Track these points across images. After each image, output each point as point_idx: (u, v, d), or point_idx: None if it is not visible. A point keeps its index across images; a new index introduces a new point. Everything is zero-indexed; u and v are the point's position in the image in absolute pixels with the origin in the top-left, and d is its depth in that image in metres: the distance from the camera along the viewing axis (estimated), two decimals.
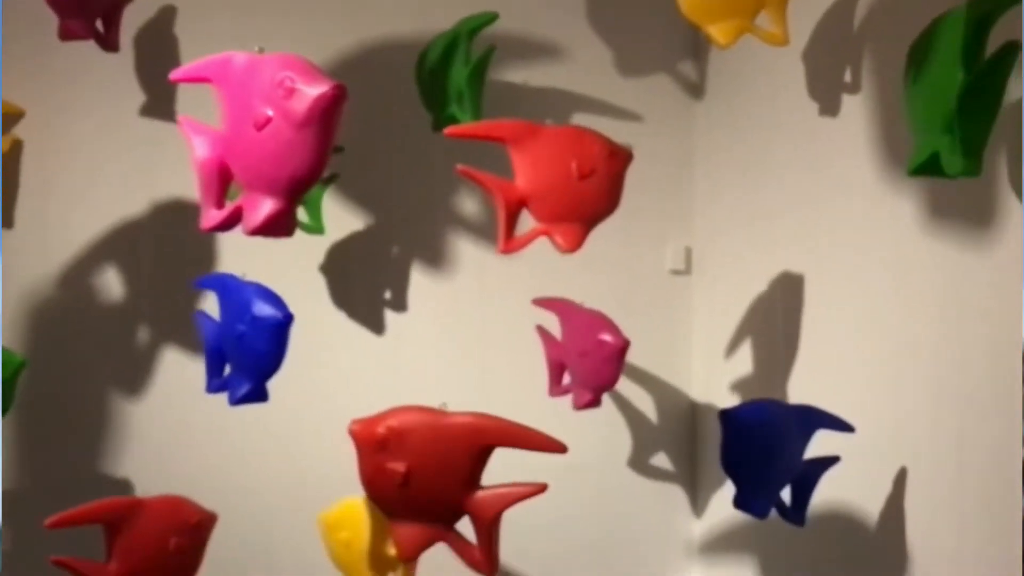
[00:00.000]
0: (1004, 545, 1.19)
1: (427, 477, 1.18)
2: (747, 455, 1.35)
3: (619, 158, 1.31)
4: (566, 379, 1.67)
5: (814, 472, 1.35)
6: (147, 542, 1.24)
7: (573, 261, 1.95)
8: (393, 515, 1.24)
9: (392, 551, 1.37)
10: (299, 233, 1.55)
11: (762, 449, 1.33)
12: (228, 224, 1.09)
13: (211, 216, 1.09)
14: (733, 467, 1.36)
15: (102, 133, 1.73)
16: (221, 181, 1.09)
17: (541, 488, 1.16)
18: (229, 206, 1.08)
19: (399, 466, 1.18)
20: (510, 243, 1.27)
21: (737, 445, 1.36)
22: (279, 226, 1.04)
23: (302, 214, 1.55)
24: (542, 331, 1.67)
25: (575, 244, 1.26)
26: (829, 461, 1.36)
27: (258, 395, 1.34)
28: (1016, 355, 1.16)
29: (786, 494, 1.35)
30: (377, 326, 1.90)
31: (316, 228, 1.66)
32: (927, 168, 1.12)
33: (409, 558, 1.25)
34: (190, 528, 1.26)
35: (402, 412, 1.22)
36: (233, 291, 1.31)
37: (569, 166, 1.23)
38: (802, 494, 1.35)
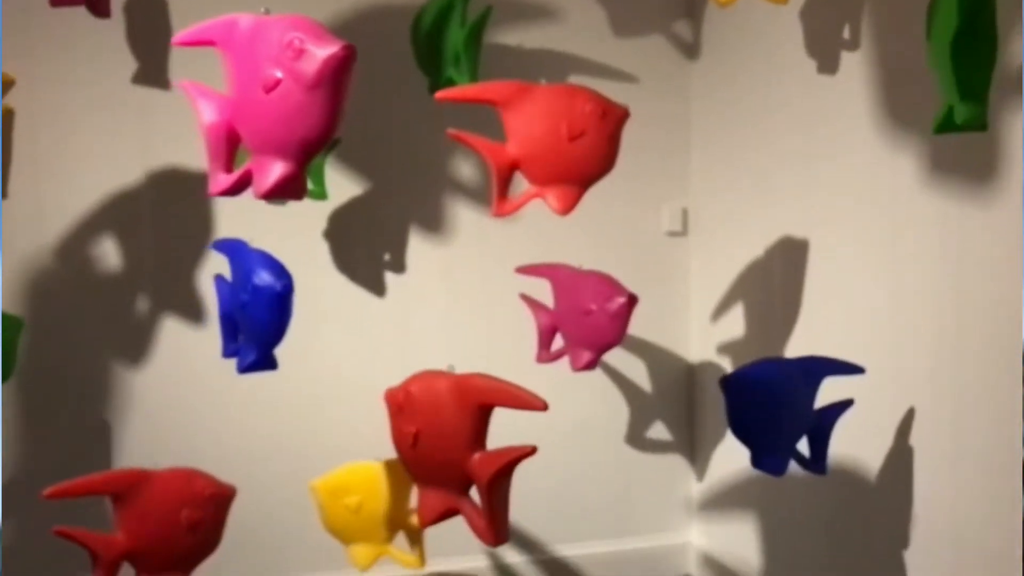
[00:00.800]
0: (1005, 491, 1.22)
1: (432, 438, 1.21)
2: (754, 417, 1.35)
3: (612, 117, 1.26)
4: (555, 345, 1.66)
5: (828, 420, 1.35)
6: (157, 514, 1.20)
7: (570, 224, 1.94)
8: (415, 478, 1.27)
9: (407, 511, 1.39)
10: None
11: (768, 409, 1.33)
12: (237, 188, 1.08)
13: (219, 181, 1.08)
14: (742, 431, 1.36)
15: (95, 101, 1.72)
16: (229, 145, 1.07)
17: (532, 450, 1.17)
18: (238, 171, 1.07)
19: (410, 427, 1.20)
20: (503, 206, 1.24)
21: (742, 409, 1.36)
22: (291, 189, 1.03)
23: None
24: (528, 299, 1.66)
25: (568, 206, 1.23)
26: (843, 406, 1.36)
27: (265, 363, 1.33)
28: (1017, 309, 1.18)
29: (804, 445, 1.36)
30: (377, 292, 1.90)
31: (319, 194, 1.65)
32: (949, 126, 1.12)
33: (427, 524, 1.26)
34: (203, 501, 1.22)
35: (419, 376, 1.25)
36: (240, 257, 1.30)
37: (559, 127, 1.20)
38: (820, 443, 1.36)
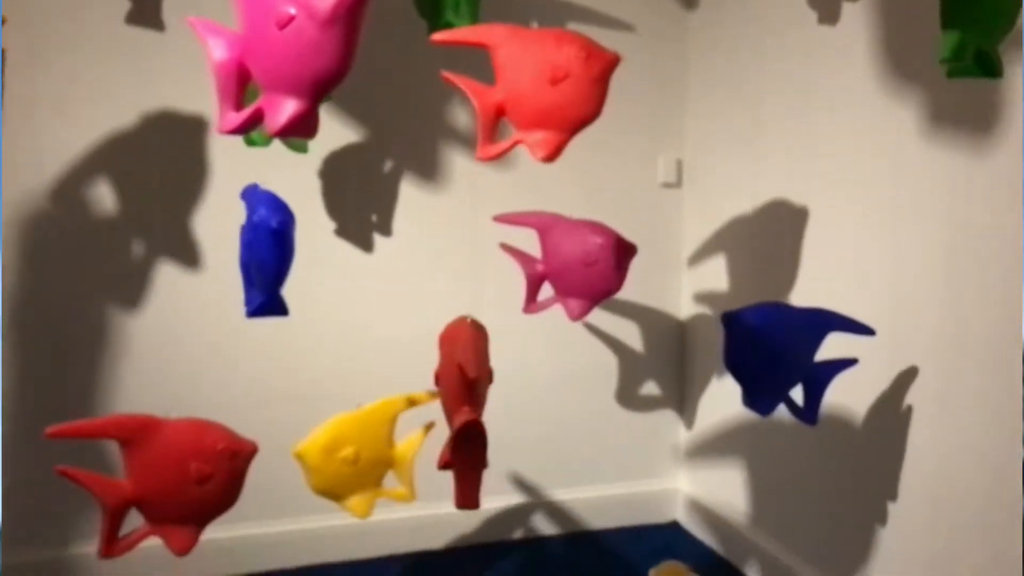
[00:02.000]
0: (999, 452, 1.25)
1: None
2: (749, 357, 1.35)
3: (598, 61, 1.18)
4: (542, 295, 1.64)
5: (827, 373, 1.36)
6: (165, 465, 1.16)
7: (564, 174, 1.97)
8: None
9: (394, 449, 1.42)
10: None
11: (764, 351, 1.33)
12: (247, 126, 1.07)
13: (229, 119, 1.07)
14: (736, 369, 1.37)
15: (90, 42, 1.69)
16: (239, 83, 1.06)
17: (473, 421, 1.26)
18: (248, 108, 1.07)
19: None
20: (486, 150, 1.19)
21: (739, 347, 1.36)
22: (303, 126, 1.02)
23: None
24: (511, 249, 1.61)
25: (549, 152, 1.17)
26: (844, 363, 1.36)
27: (272, 307, 1.33)
28: (1017, 258, 1.19)
29: (799, 394, 1.36)
30: (369, 239, 1.90)
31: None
32: (964, 70, 1.12)
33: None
34: (213, 455, 1.17)
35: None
36: (250, 199, 1.30)
37: (542, 70, 1.15)
38: (814, 395, 1.36)
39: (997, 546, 1.23)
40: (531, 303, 1.60)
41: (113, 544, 1.18)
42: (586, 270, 1.55)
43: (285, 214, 1.29)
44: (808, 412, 1.36)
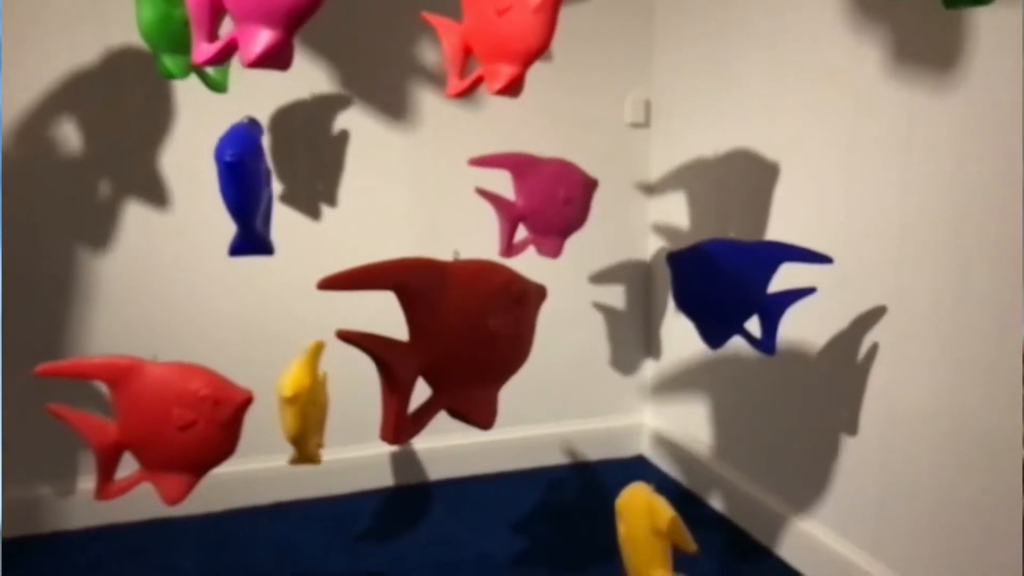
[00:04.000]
0: (956, 388, 1.30)
1: None
2: (695, 293, 1.38)
3: None
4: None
5: (781, 303, 1.37)
6: (147, 409, 1.12)
7: (533, 113, 1.97)
8: None
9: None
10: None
11: (711, 287, 1.35)
12: (220, 57, 1.06)
13: (203, 50, 1.07)
14: (686, 307, 1.40)
15: None
16: (212, 14, 1.06)
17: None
18: (220, 40, 1.06)
19: None
20: (453, 85, 1.16)
21: (686, 286, 1.39)
22: (278, 58, 1.02)
23: (210, 69, 1.43)
24: (486, 193, 1.56)
25: (502, 85, 1.11)
26: (801, 292, 1.38)
27: (248, 246, 1.31)
28: (971, 191, 1.23)
29: (756, 325, 1.38)
30: (334, 178, 1.90)
31: (219, 85, 1.48)
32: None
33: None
34: (196, 401, 1.12)
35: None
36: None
37: (491, 1, 1.10)
38: (769, 325, 1.38)
39: (949, 476, 1.29)
40: (510, 247, 1.58)
41: (106, 486, 1.18)
42: (563, 208, 1.57)
43: (244, 145, 1.23)
44: (765, 342, 1.38)
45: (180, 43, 1.34)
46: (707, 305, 1.39)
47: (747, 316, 1.39)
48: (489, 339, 1.08)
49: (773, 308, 1.38)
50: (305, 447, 1.34)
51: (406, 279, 1.01)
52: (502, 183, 1.55)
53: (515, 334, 1.15)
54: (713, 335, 1.40)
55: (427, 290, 1.02)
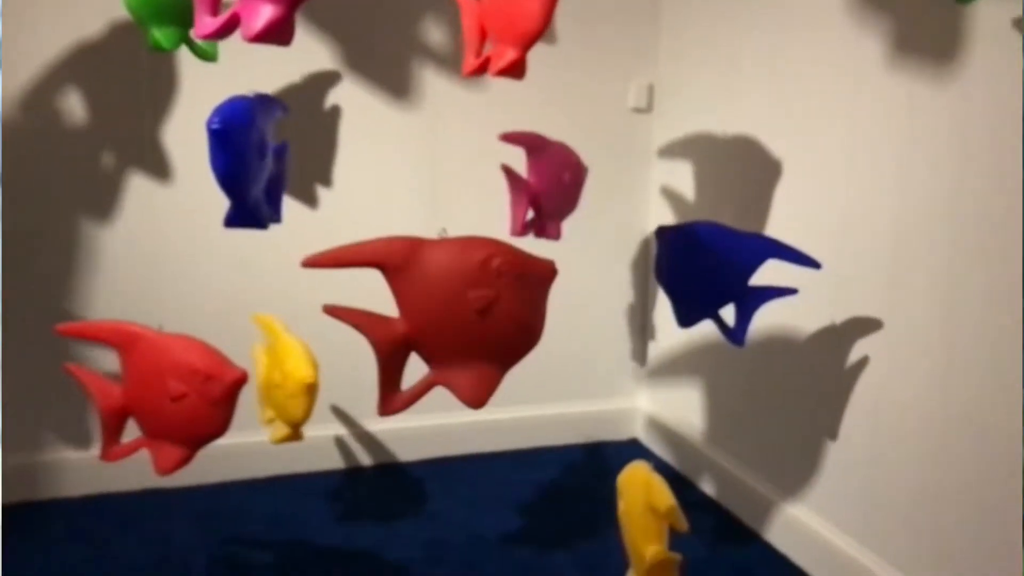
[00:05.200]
0: (940, 376, 1.31)
1: None
2: (678, 270, 1.38)
3: None
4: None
5: (757, 298, 1.36)
6: (147, 377, 1.15)
7: (536, 96, 1.97)
8: None
9: None
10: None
11: (693, 266, 1.35)
12: (223, 31, 1.07)
13: (206, 24, 1.08)
14: (665, 281, 1.40)
15: None
16: None
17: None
18: (224, 13, 1.07)
19: None
20: (468, 64, 1.17)
21: (670, 260, 1.39)
22: (280, 32, 1.03)
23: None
24: (510, 171, 1.53)
25: (501, 68, 1.11)
26: (780, 291, 1.36)
27: (241, 218, 1.31)
28: (967, 187, 1.24)
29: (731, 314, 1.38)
30: (334, 156, 1.91)
31: (209, 55, 1.48)
32: None
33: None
34: (188, 374, 1.13)
35: None
36: None
37: None
38: (742, 316, 1.36)
39: (935, 465, 1.31)
40: (523, 225, 1.55)
41: (110, 448, 1.22)
42: (567, 190, 1.58)
43: (232, 114, 1.22)
44: (737, 332, 1.37)
45: (168, 15, 1.33)
46: (687, 283, 1.39)
47: (724, 303, 1.39)
48: (474, 314, 1.08)
49: (751, 300, 1.37)
50: (297, 426, 1.34)
51: (383, 258, 1.05)
52: (500, 175, 1.54)
53: (512, 313, 1.14)
54: (685, 314, 1.41)
55: (405, 267, 1.05)
